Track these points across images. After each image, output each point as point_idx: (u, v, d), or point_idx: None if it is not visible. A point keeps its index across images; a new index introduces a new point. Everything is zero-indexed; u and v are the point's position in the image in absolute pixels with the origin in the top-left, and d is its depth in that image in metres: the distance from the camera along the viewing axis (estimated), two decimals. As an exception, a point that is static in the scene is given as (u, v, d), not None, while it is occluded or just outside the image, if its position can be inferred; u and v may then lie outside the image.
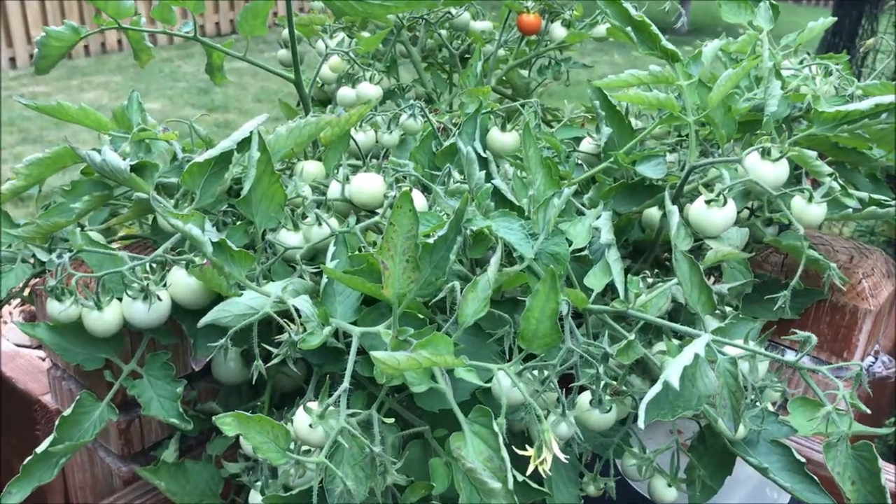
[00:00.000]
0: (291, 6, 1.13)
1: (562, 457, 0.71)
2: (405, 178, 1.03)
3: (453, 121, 1.41)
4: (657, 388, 0.66)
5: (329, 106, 1.48)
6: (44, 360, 1.28)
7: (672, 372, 0.65)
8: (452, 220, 0.79)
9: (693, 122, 1.00)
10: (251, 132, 0.96)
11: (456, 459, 0.73)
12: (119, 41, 8.35)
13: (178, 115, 6.79)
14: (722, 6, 1.13)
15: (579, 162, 1.23)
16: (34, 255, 1.09)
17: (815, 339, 0.76)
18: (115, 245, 1.11)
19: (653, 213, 1.12)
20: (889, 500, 0.76)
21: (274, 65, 1.47)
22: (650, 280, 0.96)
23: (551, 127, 1.77)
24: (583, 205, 1.15)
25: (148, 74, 7.50)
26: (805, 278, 1.12)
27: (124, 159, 0.97)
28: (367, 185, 1.03)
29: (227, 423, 0.71)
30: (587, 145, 1.25)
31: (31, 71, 8.14)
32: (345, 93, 1.41)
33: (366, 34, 1.59)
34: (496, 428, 0.70)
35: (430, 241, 0.79)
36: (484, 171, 0.88)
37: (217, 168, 0.96)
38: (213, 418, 0.72)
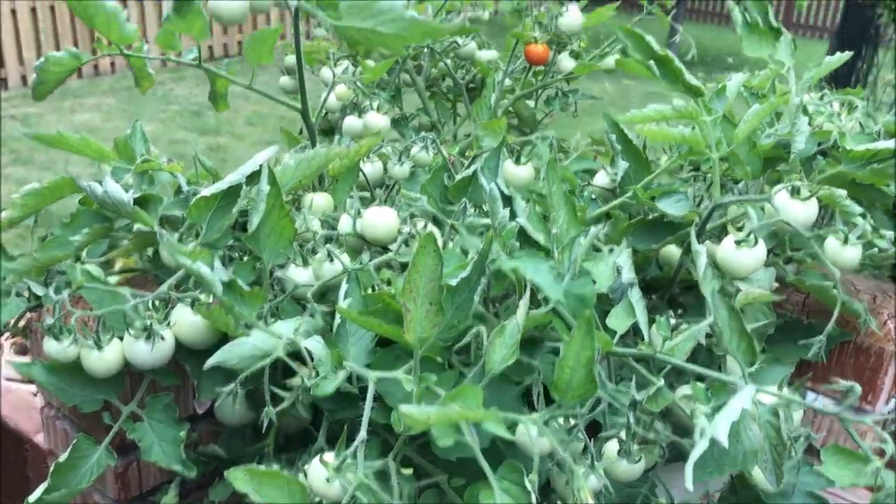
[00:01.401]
0: (300, 35, 1.09)
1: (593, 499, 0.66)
2: (419, 212, 0.99)
3: (466, 153, 1.38)
4: (703, 445, 0.61)
5: (336, 137, 1.44)
6: (36, 395, 1.23)
7: (720, 429, 0.60)
8: (476, 260, 0.75)
9: (717, 159, 0.97)
10: (261, 165, 0.91)
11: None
12: (112, 63, 8.30)
13: (171, 138, 6.75)
14: (743, 40, 1.10)
15: (594, 197, 1.19)
16: (29, 289, 1.04)
17: (859, 389, 0.72)
18: (115, 279, 1.06)
19: (671, 249, 1.08)
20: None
21: (273, 90, 1.43)
22: (673, 321, 0.92)
23: (561, 158, 1.74)
24: (598, 240, 1.11)
25: (140, 97, 7.44)
26: (825, 317, 1.08)
27: (127, 191, 0.93)
28: (380, 220, 0.98)
29: (240, 479, 0.66)
30: (602, 179, 1.21)
31: (23, 92, 8.11)
32: (351, 122, 1.37)
33: (371, 63, 1.56)
34: (528, 485, 0.65)
35: (453, 282, 0.75)
36: (508, 209, 0.83)
37: (224, 202, 0.92)
38: (225, 474, 0.67)
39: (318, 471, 0.70)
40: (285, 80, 1.71)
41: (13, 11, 7.56)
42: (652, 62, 0.99)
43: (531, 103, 1.72)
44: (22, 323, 1.07)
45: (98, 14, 1.16)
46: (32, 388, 1.26)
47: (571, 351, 0.68)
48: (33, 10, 7.71)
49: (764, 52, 1.10)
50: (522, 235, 0.82)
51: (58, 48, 7.67)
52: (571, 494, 0.70)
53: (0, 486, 1.18)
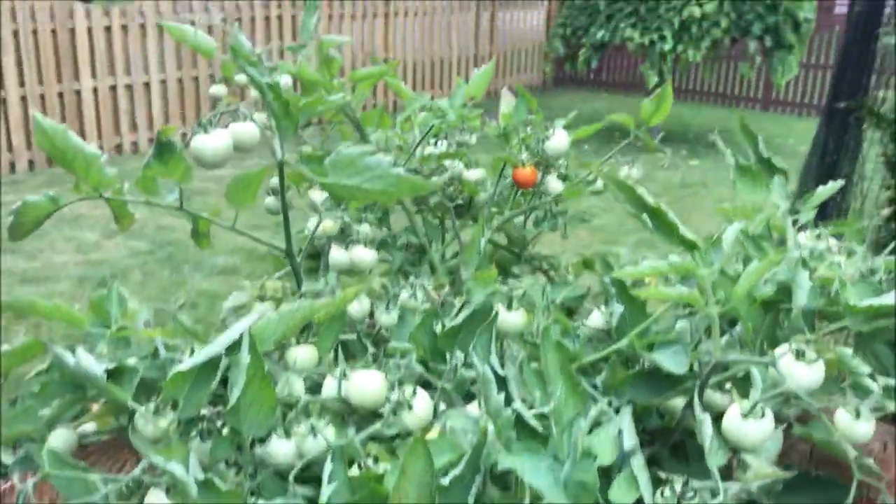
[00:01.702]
0: (285, 187, 1.06)
1: None
2: (409, 375, 0.94)
3: (454, 281, 1.34)
4: None
5: (321, 265, 1.41)
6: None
7: None
8: (470, 457, 0.70)
9: (716, 316, 0.93)
10: (241, 335, 0.87)
11: None
12: (100, 149, 8.32)
13: (156, 225, 6.72)
14: (737, 183, 1.08)
15: (590, 338, 1.15)
16: (-4, 456, 0.98)
17: None
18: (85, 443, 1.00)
19: (677, 402, 1.03)
20: None
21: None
22: (678, 488, 0.87)
23: (549, 276, 1.71)
24: (595, 386, 1.06)
25: (128, 182, 7.46)
26: (834, 468, 1.03)
27: (101, 360, 0.88)
28: (367, 385, 0.93)
29: None
30: (596, 320, 1.17)
31: (11, 179, 8.01)
32: (338, 255, 1.34)
33: (357, 187, 1.53)
34: None
35: (445, 481, 0.69)
36: (503, 394, 0.79)
37: (202, 375, 0.87)
38: None
39: None
40: (270, 201, 1.68)
41: (23, 98, 7.61)
42: (645, 215, 0.96)
43: (520, 222, 1.69)
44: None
45: (77, 159, 1.13)
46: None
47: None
48: (42, 95, 7.76)
49: (758, 195, 1.07)
50: (520, 423, 0.77)
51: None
52: None
53: None
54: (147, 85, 8.24)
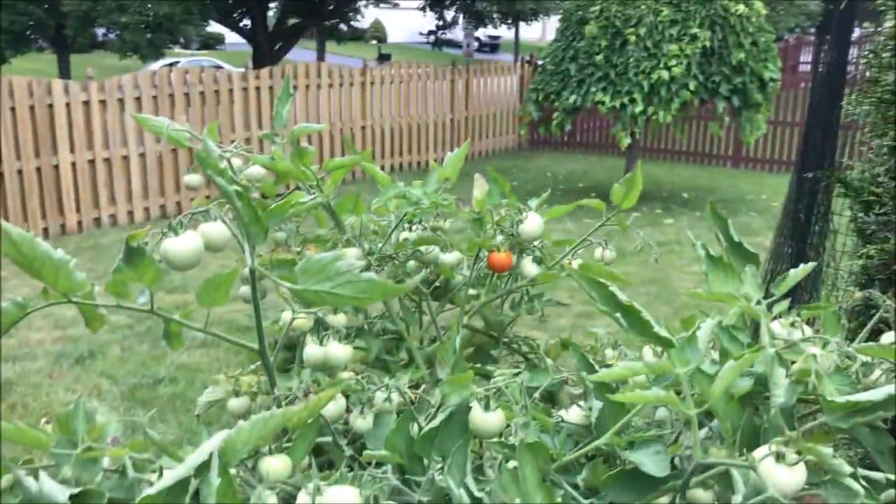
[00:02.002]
0: (258, 293, 1.05)
1: None
2: (385, 489, 0.91)
3: (433, 389, 1.32)
4: None
5: (299, 370, 1.38)
6: None
7: None
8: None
9: (695, 417, 0.92)
10: (210, 454, 0.84)
11: None
12: (79, 223, 8.31)
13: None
14: (709, 276, 1.08)
15: (570, 434, 1.13)
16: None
17: None
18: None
19: (657, 501, 1.01)
20: None
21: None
22: None
23: (528, 359, 1.70)
24: (575, 486, 1.04)
25: (106, 255, 7.42)
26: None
27: (66, 482, 0.85)
28: (341, 502, 0.90)
29: None
30: (575, 415, 1.15)
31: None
32: (312, 351, 1.31)
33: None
34: None
35: None
36: (479, 516, 0.77)
37: (172, 497, 0.84)
38: None
39: None
40: (244, 290, 1.66)
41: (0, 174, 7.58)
42: (618, 314, 0.96)
43: (497, 303, 1.68)
44: None
45: (45, 267, 1.11)
46: None
47: None
48: (20, 171, 7.71)
49: (730, 286, 1.07)
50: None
51: (24, 210, 7.68)
52: None
53: None
54: (126, 158, 8.26)
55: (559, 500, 0.96)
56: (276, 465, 1.02)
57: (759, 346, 0.97)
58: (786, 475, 0.85)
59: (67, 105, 7.84)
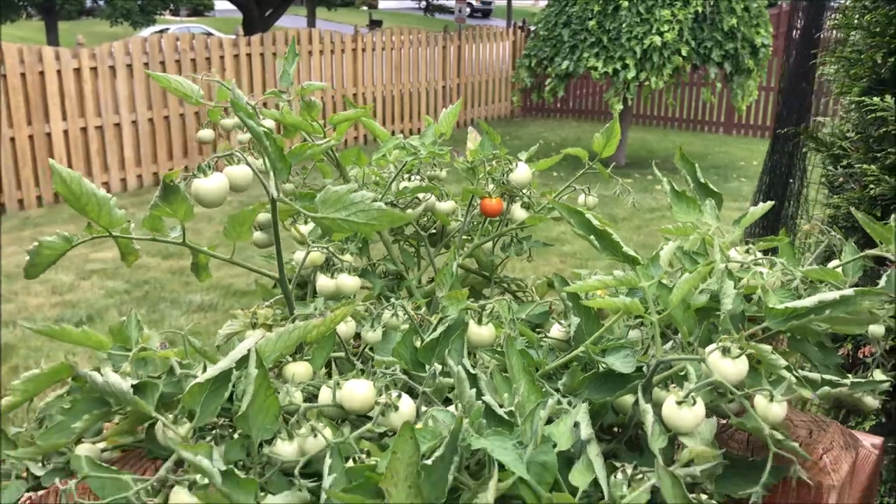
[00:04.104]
0: (278, 223, 1.22)
1: None
2: (394, 382, 1.10)
3: (430, 301, 1.50)
4: None
5: (309, 291, 1.56)
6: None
7: None
8: (449, 440, 0.85)
9: (656, 321, 1.10)
10: (248, 350, 1.02)
11: None
12: (72, 191, 8.37)
13: (134, 265, 6.79)
14: (673, 207, 1.25)
15: (552, 348, 1.31)
16: (28, 469, 1.12)
17: None
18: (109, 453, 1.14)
19: (626, 399, 1.19)
20: None
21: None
22: (629, 471, 1.03)
23: (517, 297, 1.88)
24: (557, 390, 1.22)
25: (101, 223, 7.53)
26: (766, 451, 1.19)
27: (125, 379, 1.02)
28: (358, 392, 1.09)
29: None
30: (557, 331, 1.33)
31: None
32: (324, 283, 1.49)
33: (339, 220, 1.69)
34: None
35: (429, 462, 0.85)
36: (475, 389, 0.95)
37: (216, 386, 1.02)
38: None
39: None
40: (258, 236, 1.83)
41: (12, 139, 7.67)
42: (592, 236, 1.13)
43: (489, 247, 1.86)
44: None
45: (90, 203, 1.28)
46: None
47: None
48: (12, 139, 7.82)
49: (692, 216, 1.25)
50: (490, 412, 0.93)
51: (18, 177, 7.80)
52: None
53: None
54: (118, 125, 8.38)
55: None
56: (299, 369, 1.20)
57: (712, 261, 1.15)
58: (730, 365, 1.03)
59: (59, 72, 7.93)
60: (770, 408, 1.01)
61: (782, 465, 1.21)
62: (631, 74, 8.11)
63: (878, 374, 1.39)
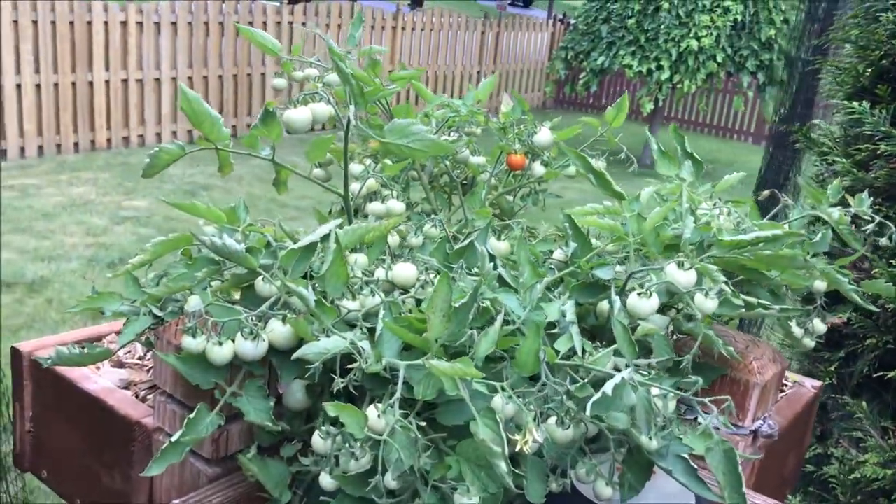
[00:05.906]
0: (348, 142, 1.64)
1: (539, 438, 1.16)
2: (431, 268, 1.52)
3: (461, 231, 1.92)
4: (598, 395, 1.13)
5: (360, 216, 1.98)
6: (135, 396, 1.71)
7: (607, 386, 1.12)
8: (471, 293, 1.27)
9: (633, 243, 1.51)
10: (330, 231, 1.44)
11: (465, 458, 1.18)
12: (108, 140, 8.87)
13: (164, 214, 7.26)
14: (657, 162, 1.66)
15: (552, 266, 1.73)
16: (150, 311, 1.55)
17: (731, 402, 1.24)
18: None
19: (605, 305, 1.61)
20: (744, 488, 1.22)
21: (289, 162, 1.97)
22: (601, 350, 1.44)
23: (532, 241, 2.29)
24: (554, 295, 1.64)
25: (135, 173, 8.02)
26: (711, 358, 1.61)
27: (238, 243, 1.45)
28: (406, 271, 1.51)
29: (331, 408, 1.16)
30: (558, 255, 1.75)
31: (21, 163, 8.64)
32: (375, 207, 1.91)
33: (388, 161, 2.11)
34: (497, 419, 1.16)
35: (458, 305, 1.27)
36: (491, 264, 1.37)
37: (304, 254, 1.44)
38: (323, 404, 1.17)
39: (372, 412, 1.20)
40: (318, 172, 2.26)
41: (37, 86, 8.14)
42: (591, 175, 1.55)
43: (510, 198, 2.28)
44: (144, 337, 1.57)
45: (206, 120, 1.70)
46: (128, 393, 1.74)
47: (527, 344, 1.20)
48: (56, 84, 8.30)
49: (672, 171, 1.66)
50: (500, 280, 1.35)
51: (58, 122, 8.30)
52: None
53: (105, 456, 1.65)
54: (158, 81, 8.85)
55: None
56: (360, 258, 1.63)
57: (678, 198, 1.56)
58: (683, 275, 1.44)
59: (106, 24, 8.39)
60: (705, 301, 1.42)
61: (720, 366, 1.63)
62: (665, 76, 8.49)
63: (818, 323, 1.80)
